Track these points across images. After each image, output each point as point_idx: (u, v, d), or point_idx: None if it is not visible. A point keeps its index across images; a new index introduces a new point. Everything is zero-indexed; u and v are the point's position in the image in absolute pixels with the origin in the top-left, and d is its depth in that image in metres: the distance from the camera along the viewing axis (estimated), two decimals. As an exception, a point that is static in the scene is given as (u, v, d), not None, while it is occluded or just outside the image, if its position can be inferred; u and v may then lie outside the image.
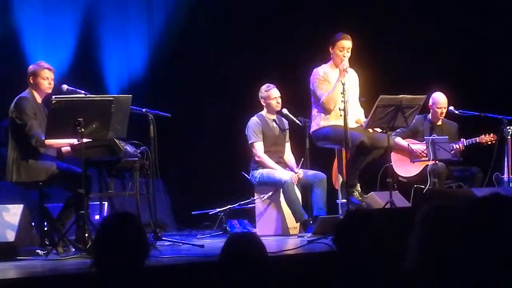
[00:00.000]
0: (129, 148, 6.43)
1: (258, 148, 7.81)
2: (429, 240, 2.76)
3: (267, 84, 7.89)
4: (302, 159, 7.88)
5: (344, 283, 2.81)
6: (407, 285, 2.73)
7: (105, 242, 2.96)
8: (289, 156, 8.00)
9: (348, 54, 7.28)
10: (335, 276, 2.88)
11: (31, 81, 6.51)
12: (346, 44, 7.29)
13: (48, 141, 6.27)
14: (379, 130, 7.20)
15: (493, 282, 2.35)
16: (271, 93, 7.85)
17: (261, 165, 7.80)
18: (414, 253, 2.76)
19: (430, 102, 8.17)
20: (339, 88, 6.99)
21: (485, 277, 2.36)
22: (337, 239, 2.91)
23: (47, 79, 6.51)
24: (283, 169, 7.78)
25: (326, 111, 7.31)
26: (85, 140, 6.02)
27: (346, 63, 7.16)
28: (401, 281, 2.73)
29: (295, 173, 7.69)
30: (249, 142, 7.85)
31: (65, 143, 6.34)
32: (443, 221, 2.76)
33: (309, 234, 7.18)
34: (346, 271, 2.79)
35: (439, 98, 8.21)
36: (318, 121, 7.39)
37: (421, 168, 8.07)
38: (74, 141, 6.17)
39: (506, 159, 7.99)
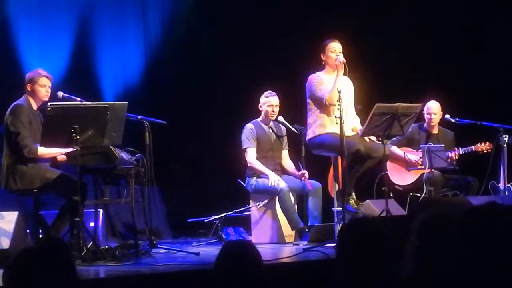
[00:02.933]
0: (124, 155, 6.41)
1: (250, 153, 7.79)
2: (426, 248, 2.75)
3: (269, 91, 7.88)
4: (299, 163, 7.84)
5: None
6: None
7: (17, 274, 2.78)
8: (287, 162, 7.97)
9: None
10: (331, 284, 2.86)
11: (29, 88, 6.50)
12: (336, 45, 7.27)
13: (40, 152, 6.27)
14: (374, 138, 7.19)
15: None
16: (268, 100, 7.85)
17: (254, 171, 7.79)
18: (411, 261, 2.75)
19: (424, 110, 8.18)
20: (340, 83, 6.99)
21: (482, 285, 2.35)
22: (339, 246, 2.89)
23: (44, 87, 6.49)
24: (277, 175, 7.73)
25: (328, 108, 7.22)
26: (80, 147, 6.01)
27: (341, 57, 7.11)
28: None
29: (303, 173, 7.65)
30: (242, 147, 7.85)
31: (57, 153, 6.33)
32: (440, 230, 2.75)
33: (305, 242, 7.17)
34: (344, 278, 2.78)
35: (430, 104, 8.24)
36: (314, 129, 7.37)
37: (417, 177, 8.06)
38: (66, 151, 6.17)
39: (502, 167, 8.00)
